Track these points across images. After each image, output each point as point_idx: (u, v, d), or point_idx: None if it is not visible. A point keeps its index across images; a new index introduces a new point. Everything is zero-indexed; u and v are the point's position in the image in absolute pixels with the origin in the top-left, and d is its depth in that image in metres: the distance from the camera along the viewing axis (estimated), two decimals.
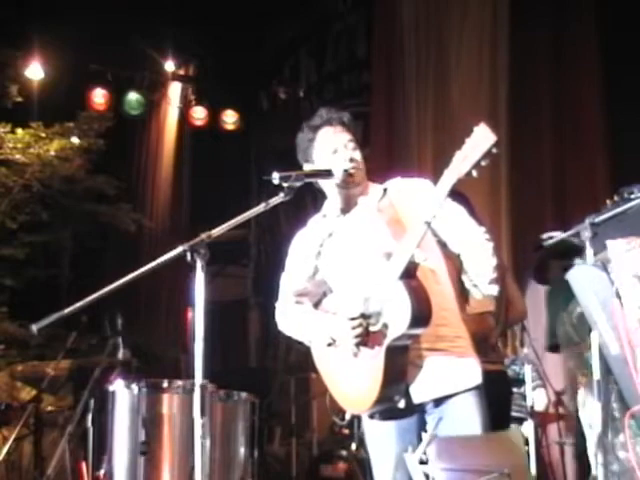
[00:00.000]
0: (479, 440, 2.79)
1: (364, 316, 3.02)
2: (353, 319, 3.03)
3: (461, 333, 3.09)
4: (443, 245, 3.14)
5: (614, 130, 5.84)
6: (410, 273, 2.92)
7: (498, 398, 3.00)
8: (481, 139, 2.73)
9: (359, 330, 3.02)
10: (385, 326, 2.95)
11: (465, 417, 2.92)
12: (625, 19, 5.69)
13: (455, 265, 3.13)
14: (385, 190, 3.22)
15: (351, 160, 3.17)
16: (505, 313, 4.49)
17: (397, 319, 2.91)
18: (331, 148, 3.20)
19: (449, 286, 3.12)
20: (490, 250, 3.11)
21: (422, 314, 2.90)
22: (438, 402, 3.04)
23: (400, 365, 3.00)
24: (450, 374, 3.03)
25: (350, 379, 3.11)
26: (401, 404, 3.04)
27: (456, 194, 3.13)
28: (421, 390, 3.04)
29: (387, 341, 2.93)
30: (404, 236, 2.93)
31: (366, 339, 3.03)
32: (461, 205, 3.20)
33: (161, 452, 4.30)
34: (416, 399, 3.05)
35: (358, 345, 3.04)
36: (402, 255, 2.90)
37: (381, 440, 3.18)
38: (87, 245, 9.04)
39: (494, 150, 2.70)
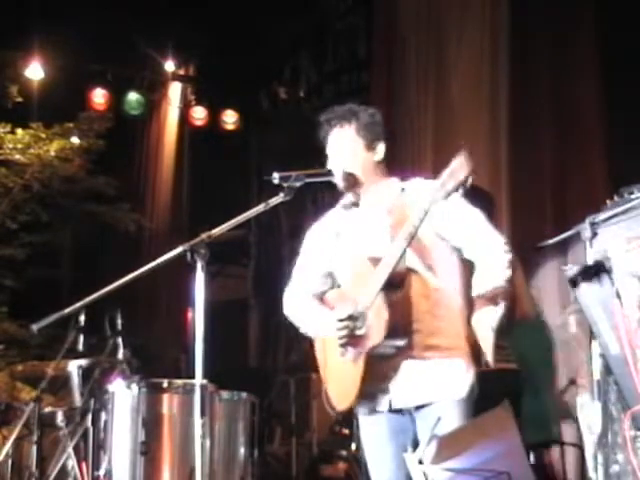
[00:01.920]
0: (471, 430, 2.79)
1: (351, 318, 3.05)
2: (340, 320, 3.06)
3: (456, 344, 3.08)
4: (458, 250, 3.15)
5: (614, 130, 5.84)
6: (393, 284, 2.94)
7: (500, 397, 2.99)
8: (458, 169, 2.78)
9: (344, 332, 3.07)
10: (368, 332, 2.98)
11: (444, 428, 2.89)
12: (625, 18, 5.69)
13: (470, 271, 3.14)
14: (403, 189, 3.22)
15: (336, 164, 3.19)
16: (511, 312, 4.48)
17: (376, 329, 2.96)
18: (328, 151, 3.24)
19: (455, 294, 3.11)
20: (505, 262, 3.10)
21: (398, 329, 2.95)
22: (420, 409, 3.06)
23: (379, 371, 3.05)
24: (432, 383, 3.04)
25: (337, 375, 3.18)
26: (380, 407, 3.11)
27: (481, 194, 3.15)
28: (401, 396, 3.08)
29: (366, 348, 2.98)
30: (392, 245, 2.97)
31: (352, 341, 3.06)
32: (483, 207, 3.20)
33: (161, 452, 4.30)
34: (396, 404, 3.08)
35: (343, 345, 3.07)
36: (386, 265, 2.92)
37: (374, 440, 3.22)
38: (87, 245, 9.03)
39: (469, 180, 2.79)
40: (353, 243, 3.22)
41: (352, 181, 3.18)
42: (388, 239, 3.07)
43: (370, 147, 3.20)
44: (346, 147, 3.20)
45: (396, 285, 2.96)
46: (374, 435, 3.21)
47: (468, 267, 3.16)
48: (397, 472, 3.07)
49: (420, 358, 3.04)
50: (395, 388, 3.08)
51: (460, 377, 3.06)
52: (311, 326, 3.32)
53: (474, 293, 3.08)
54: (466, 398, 3.04)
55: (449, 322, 3.08)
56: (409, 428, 3.10)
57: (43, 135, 7.99)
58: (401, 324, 2.97)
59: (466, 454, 2.56)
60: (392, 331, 2.94)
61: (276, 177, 3.03)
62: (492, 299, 3.06)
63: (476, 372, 3.10)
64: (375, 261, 2.99)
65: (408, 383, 3.06)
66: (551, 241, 3.19)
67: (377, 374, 3.04)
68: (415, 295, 3.03)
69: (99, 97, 9.04)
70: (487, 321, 3.03)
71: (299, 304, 3.37)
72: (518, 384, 4.65)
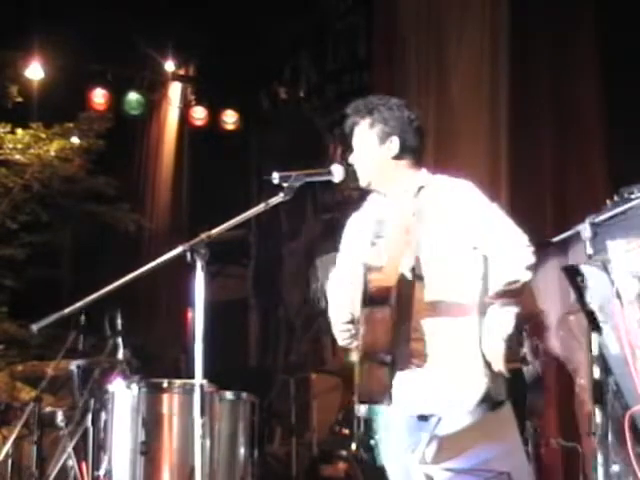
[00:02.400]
0: (472, 430, 2.78)
1: (352, 322, 3.06)
2: (343, 323, 3.08)
3: (462, 354, 2.98)
4: (476, 249, 3.03)
5: (614, 130, 5.83)
6: (375, 300, 2.92)
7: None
8: None
9: (346, 334, 3.07)
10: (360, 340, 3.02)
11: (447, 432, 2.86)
12: (625, 18, 5.69)
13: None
14: (420, 189, 3.11)
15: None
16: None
17: (360, 340, 2.99)
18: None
19: (468, 301, 2.99)
20: (524, 260, 2.95)
21: (375, 347, 2.95)
22: (424, 418, 3.02)
23: (374, 377, 3.03)
24: (433, 394, 2.98)
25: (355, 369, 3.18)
26: (386, 405, 3.08)
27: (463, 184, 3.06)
28: (403, 403, 3.06)
29: (360, 353, 3.02)
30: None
31: (354, 343, 3.08)
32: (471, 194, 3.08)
33: (161, 452, 4.30)
34: (398, 410, 3.08)
35: (347, 345, 3.11)
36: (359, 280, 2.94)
37: (391, 438, 3.18)
38: (87, 245, 9.03)
39: None
40: (357, 245, 3.20)
41: (366, 178, 3.13)
42: (378, 245, 3.06)
43: (383, 142, 3.10)
44: (360, 142, 3.14)
45: (378, 302, 2.92)
46: (391, 432, 3.18)
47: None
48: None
49: (420, 367, 3.00)
50: (396, 394, 3.05)
51: (465, 389, 2.95)
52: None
53: (489, 293, 2.97)
54: (474, 410, 2.92)
55: (454, 331, 2.99)
56: (423, 427, 3.05)
57: (43, 135, 7.99)
58: (377, 345, 2.94)
59: (466, 454, 2.56)
60: (369, 350, 2.94)
61: (276, 177, 3.01)
62: (506, 300, 2.94)
63: (490, 381, 2.96)
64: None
65: (407, 390, 3.03)
66: (551, 241, 3.19)
67: (377, 378, 3.03)
68: (416, 304, 2.98)
69: (99, 97, 9.04)
70: (498, 331, 2.93)
71: (333, 290, 3.29)
72: (524, 383, 4.65)
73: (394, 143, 3.10)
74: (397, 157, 3.11)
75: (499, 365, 2.92)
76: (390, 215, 3.13)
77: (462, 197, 3.02)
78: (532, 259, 2.96)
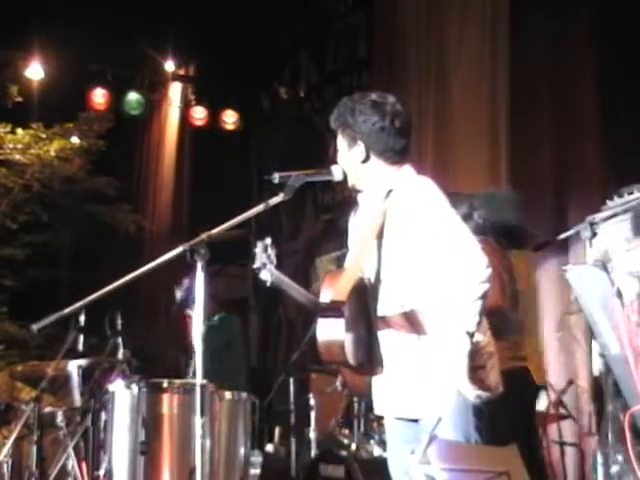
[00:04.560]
0: (479, 448, 2.78)
1: None
2: None
3: (435, 360, 2.93)
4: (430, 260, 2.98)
5: (615, 130, 5.83)
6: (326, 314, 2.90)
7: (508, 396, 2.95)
8: None
9: None
10: None
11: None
12: (623, 18, 5.69)
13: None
14: (389, 193, 3.07)
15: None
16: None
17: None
18: None
19: (437, 306, 2.94)
20: (476, 292, 2.85)
21: (333, 359, 2.95)
22: (410, 421, 3.03)
23: (357, 377, 3.05)
24: (412, 400, 2.98)
25: None
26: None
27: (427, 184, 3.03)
28: (387, 406, 3.08)
29: None
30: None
31: None
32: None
33: (161, 452, 4.29)
34: (382, 412, 3.10)
35: None
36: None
37: (392, 440, 3.18)
38: (87, 245, 9.04)
39: None
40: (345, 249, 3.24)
41: (349, 181, 3.13)
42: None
43: (351, 147, 3.10)
44: (338, 147, 3.16)
45: (322, 309, 2.89)
46: (391, 435, 3.19)
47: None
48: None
49: (393, 372, 3.00)
50: (377, 398, 3.09)
51: (438, 392, 2.90)
52: None
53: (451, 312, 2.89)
54: (451, 414, 2.86)
55: (417, 337, 2.95)
56: (416, 428, 3.05)
57: (43, 135, 8.01)
58: (321, 354, 2.94)
59: (461, 466, 2.54)
60: (331, 359, 2.96)
61: (276, 177, 3.02)
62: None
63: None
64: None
65: (386, 394, 3.05)
66: (551, 241, 3.19)
67: (361, 378, 3.05)
68: (379, 309, 3.00)
69: (99, 97, 9.04)
70: (454, 360, 2.85)
71: None
72: (526, 383, 4.68)
73: (360, 147, 3.08)
74: (365, 161, 3.08)
75: (466, 390, 2.85)
76: (363, 218, 3.14)
77: (420, 204, 2.95)
78: (484, 274, 2.85)
